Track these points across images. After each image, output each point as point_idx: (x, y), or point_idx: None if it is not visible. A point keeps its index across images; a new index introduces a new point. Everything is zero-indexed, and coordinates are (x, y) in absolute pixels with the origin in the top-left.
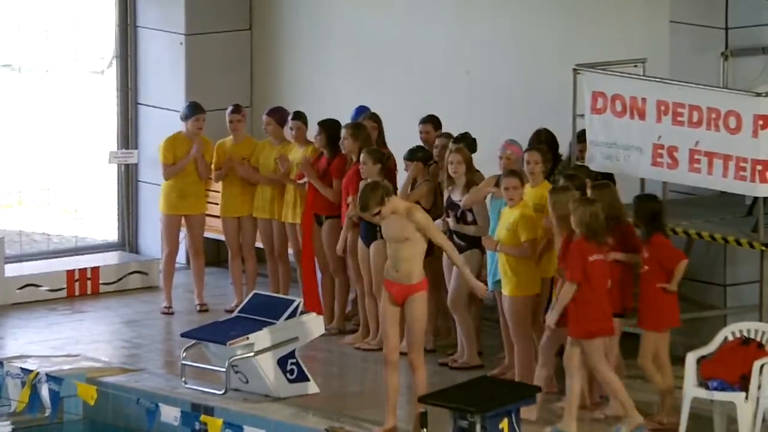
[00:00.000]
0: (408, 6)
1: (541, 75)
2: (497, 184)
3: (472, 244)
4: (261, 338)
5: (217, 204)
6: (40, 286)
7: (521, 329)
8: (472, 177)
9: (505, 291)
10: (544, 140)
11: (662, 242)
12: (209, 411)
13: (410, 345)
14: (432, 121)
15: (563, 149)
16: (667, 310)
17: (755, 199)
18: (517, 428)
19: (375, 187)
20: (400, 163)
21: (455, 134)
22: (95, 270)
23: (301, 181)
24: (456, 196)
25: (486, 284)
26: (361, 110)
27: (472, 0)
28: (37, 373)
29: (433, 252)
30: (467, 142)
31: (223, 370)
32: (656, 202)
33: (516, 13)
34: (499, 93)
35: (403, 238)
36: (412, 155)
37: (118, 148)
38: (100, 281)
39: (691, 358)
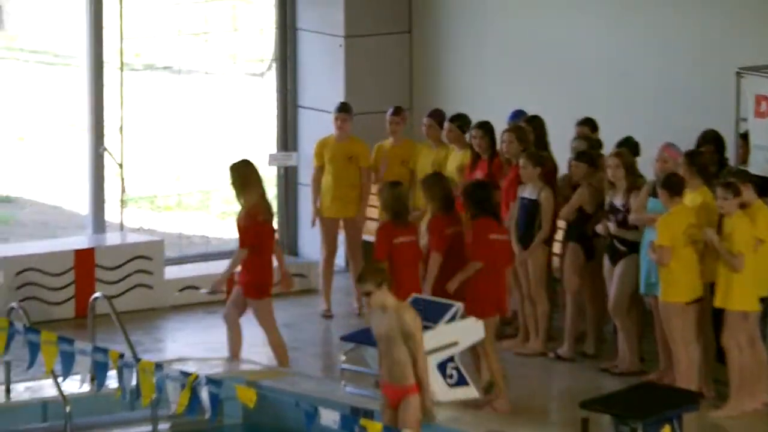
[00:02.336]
0: (566, 9)
1: (702, 78)
2: (654, 193)
3: (632, 248)
4: None
5: (377, 207)
6: (200, 288)
7: (676, 335)
8: (635, 181)
9: (660, 296)
10: (711, 140)
11: (482, 225)
12: (369, 415)
13: None
14: (588, 124)
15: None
16: (485, 297)
17: None
18: None
19: (379, 269)
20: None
21: (617, 138)
22: None
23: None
24: (617, 201)
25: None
26: (518, 113)
27: (629, 2)
28: (197, 376)
29: (594, 257)
30: (629, 146)
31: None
32: (488, 189)
33: (674, 14)
34: (657, 96)
35: (394, 337)
36: (578, 157)
37: (277, 151)
38: None
39: None
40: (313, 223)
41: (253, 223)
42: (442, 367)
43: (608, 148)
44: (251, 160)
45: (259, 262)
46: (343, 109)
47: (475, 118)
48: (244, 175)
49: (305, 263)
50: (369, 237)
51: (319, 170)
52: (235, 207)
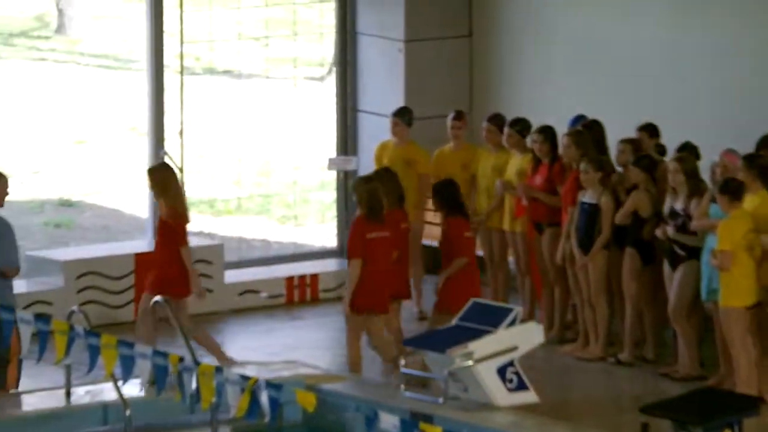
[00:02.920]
0: (629, 13)
1: (761, 81)
2: (715, 198)
3: (691, 253)
4: (481, 346)
5: (431, 210)
6: (260, 292)
7: (736, 340)
8: (697, 186)
9: (720, 301)
10: None
11: (456, 224)
12: (428, 419)
13: None
14: (648, 129)
15: None
16: (464, 291)
17: None
18: None
19: None
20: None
21: (678, 143)
22: (314, 277)
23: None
24: (678, 205)
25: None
26: (578, 118)
27: (692, 5)
28: (256, 380)
29: (651, 261)
30: (689, 151)
31: (443, 378)
32: (454, 186)
33: (735, 18)
34: (716, 99)
35: None
36: (636, 162)
37: (336, 155)
38: (320, 288)
39: None
40: None
41: (182, 221)
42: (502, 371)
43: (670, 152)
44: (169, 164)
45: (176, 259)
46: (396, 113)
47: (535, 123)
48: (163, 178)
49: None
50: (428, 242)
51: None
52: (295, 211)
